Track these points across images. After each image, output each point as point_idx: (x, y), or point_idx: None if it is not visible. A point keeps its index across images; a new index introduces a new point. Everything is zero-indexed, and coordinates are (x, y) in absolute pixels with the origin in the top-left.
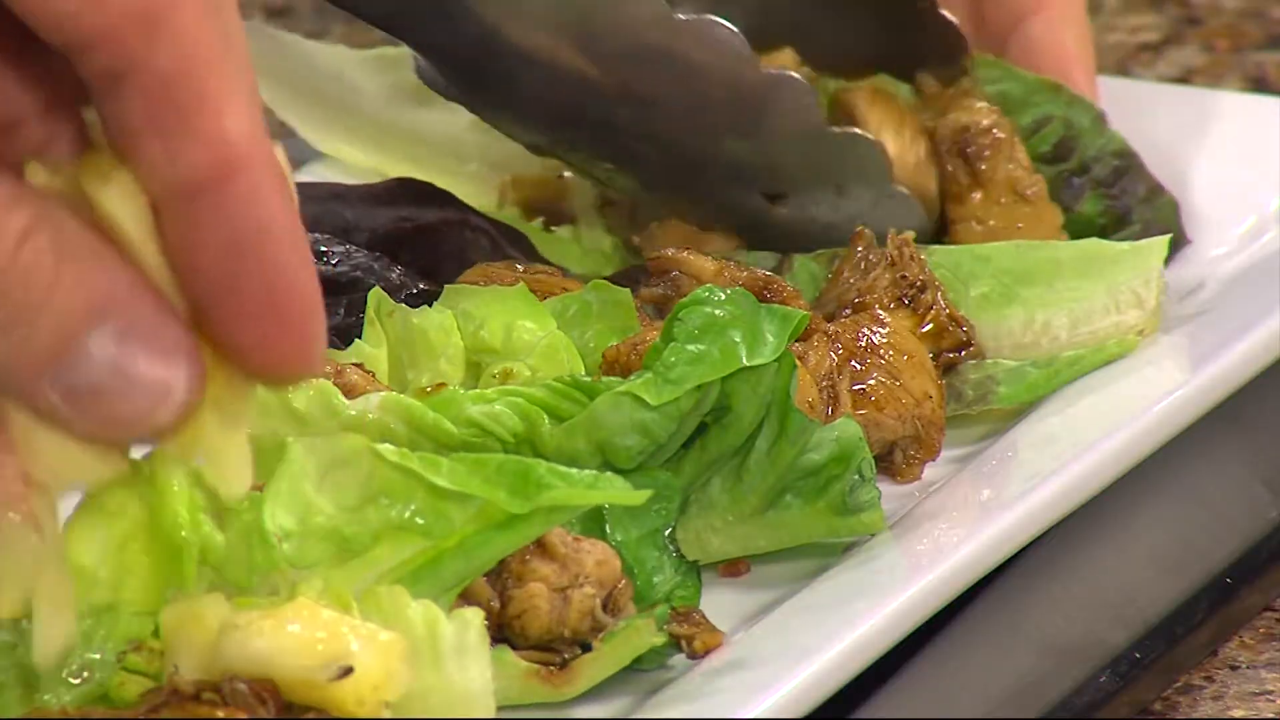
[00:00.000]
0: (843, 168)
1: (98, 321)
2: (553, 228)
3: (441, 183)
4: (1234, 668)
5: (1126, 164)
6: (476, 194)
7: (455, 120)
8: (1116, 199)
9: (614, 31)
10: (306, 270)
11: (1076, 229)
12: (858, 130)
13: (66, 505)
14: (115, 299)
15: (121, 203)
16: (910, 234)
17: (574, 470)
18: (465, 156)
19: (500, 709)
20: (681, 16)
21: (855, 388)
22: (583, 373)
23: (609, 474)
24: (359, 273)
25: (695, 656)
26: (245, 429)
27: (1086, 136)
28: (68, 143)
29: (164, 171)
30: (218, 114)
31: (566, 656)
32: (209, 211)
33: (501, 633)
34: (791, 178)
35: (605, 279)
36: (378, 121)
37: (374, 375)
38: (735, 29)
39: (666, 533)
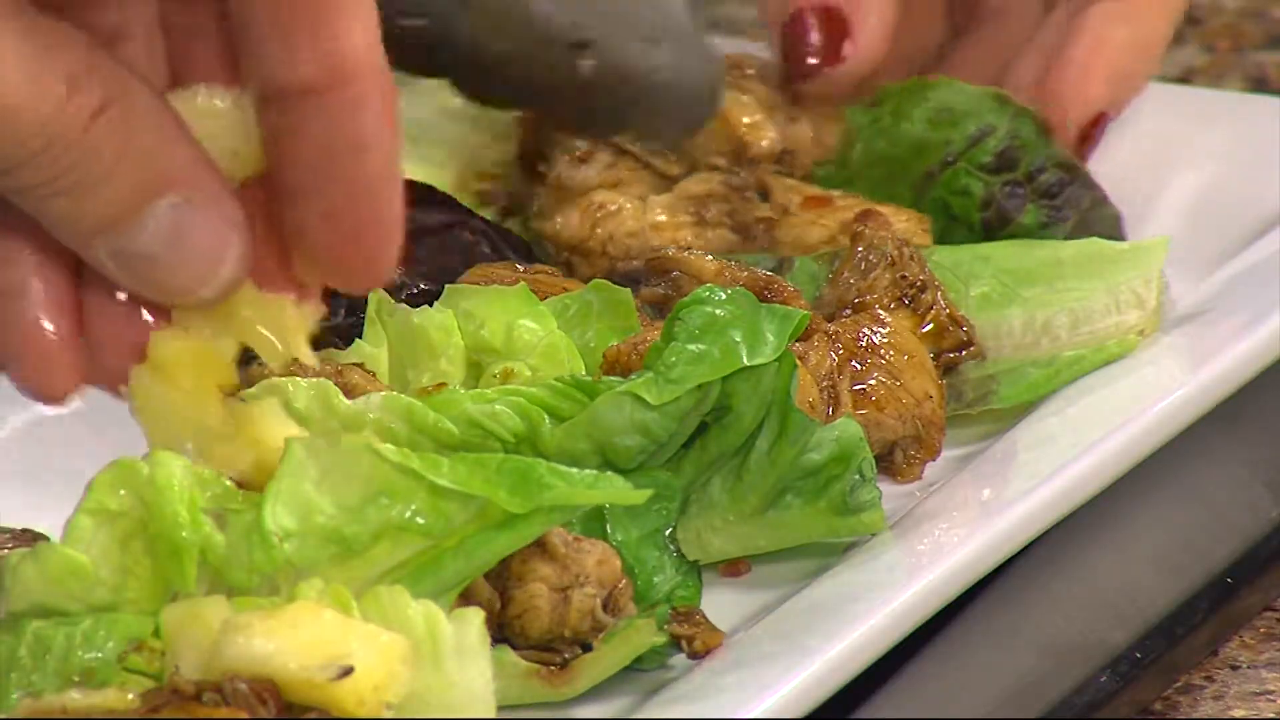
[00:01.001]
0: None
1: (156, 197)
2: (505, 220)
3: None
4: (1234, 667)
5: (1071, 175)
6: (435, 178)
7: (423, 104)
8: (1059, 210)
9: None
10: (391, 190)
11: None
12: None
13: (67, 505)
14: (176, 176)
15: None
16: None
17: (574, 470)
18: (428, 141)
19: (501, 709)
20: None
21: (856, 388)
22: (583, 372)
23: (609, 474)
24: None
25: (696, 656)
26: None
27: (1031, 147)
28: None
29: (279, 72)
30: (340, 26)
31: (567, 656)
32: (313, 114)
33: (502, 632)
34: (595, 19)
35: (605, 279)
36: None
37: (374, 375)
38: None
39: (667, 532)
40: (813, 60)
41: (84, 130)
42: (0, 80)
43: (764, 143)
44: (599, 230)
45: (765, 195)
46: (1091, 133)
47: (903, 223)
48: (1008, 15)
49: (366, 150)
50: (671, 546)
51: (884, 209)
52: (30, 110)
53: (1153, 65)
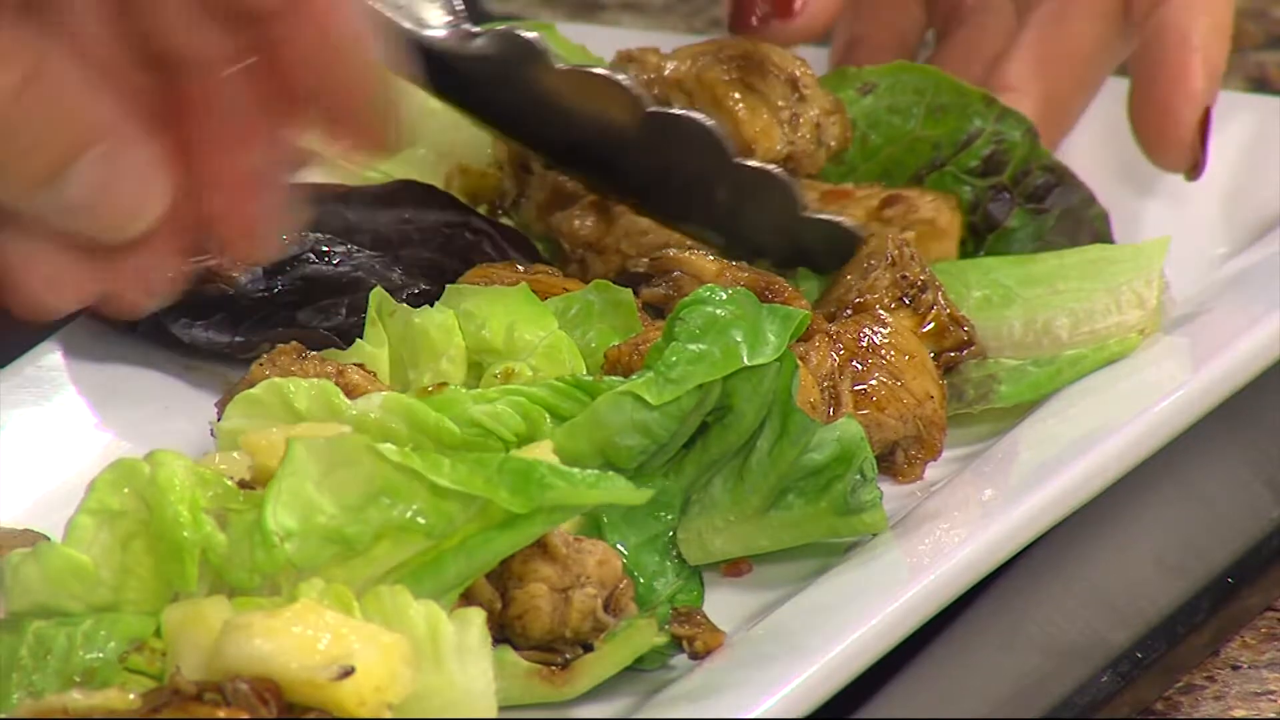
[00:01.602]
0: (756, 203)
1: (83, 151)
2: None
3: (387, 164)
4: (1235, 667)
5: (1058, 177)
6: (420, 177)
7: (407, 105)
8: (1046, 212)
9: None
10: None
11: (1004, 243)
12: (769, 167)
13: (67, 505)
14: (98, 130)
15: None
16: (910, 234)
17: (575, 470)
18: (414, 141)
19: (502, 709)
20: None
21: (857, 388)
22: (584, 373)
23: (611, 473)
24: (360, 273)
25: (697, 657)
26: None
27: (1017, 150)
28: None
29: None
30: None
31: (568, 656)
32: (281, 34)
33: (503, 633)
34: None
35: (607, 279)
36: None
37: (375, 375)
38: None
39: (668, 536)
40: (764, 9)
41: (8, 107)
42: None
43: (777, 146)
44: (615, 226)
45: None
46: (1205, 131)
47: (929, 203)
48: (985, 16)
49: (331, 51)
50: (672, 551)
51: (908, 192)
52: None
53: (1227, 50)
